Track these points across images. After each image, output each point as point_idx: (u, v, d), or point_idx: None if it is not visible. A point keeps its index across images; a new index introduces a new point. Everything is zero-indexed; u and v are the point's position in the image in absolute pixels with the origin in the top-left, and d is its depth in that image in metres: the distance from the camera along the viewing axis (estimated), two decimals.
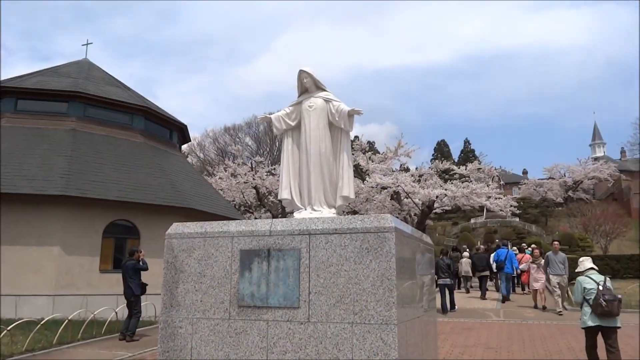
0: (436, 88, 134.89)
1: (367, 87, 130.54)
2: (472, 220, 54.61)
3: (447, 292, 13.09)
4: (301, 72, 5.96)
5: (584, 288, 6.08)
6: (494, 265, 16.23)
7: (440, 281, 13.05)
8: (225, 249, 4.83)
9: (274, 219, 4.93)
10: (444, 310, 12.69)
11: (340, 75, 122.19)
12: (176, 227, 5.13)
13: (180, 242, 5.01)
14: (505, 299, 15.09)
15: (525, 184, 53.63)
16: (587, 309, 6.02)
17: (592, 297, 5.91)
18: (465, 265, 17.10)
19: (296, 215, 5.71)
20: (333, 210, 5.71)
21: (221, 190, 24.81)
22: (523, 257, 16.34)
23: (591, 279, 6.10)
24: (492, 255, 16.54)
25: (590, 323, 5.97)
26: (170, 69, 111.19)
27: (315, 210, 5.65)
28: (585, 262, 6.35)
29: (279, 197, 6.07)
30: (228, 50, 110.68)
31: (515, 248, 19.89)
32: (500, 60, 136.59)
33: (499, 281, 16.70)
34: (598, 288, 5.93)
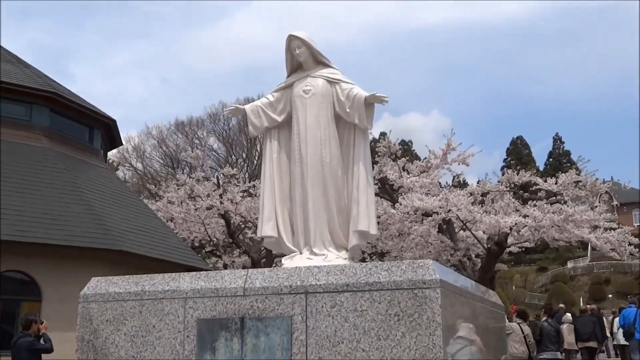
0: (508, 55, 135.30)
1: (400, 56, 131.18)
2: (570, 264, 54.46)
3: None
4: (291, 39, 6.05)
5: None
6: (619, 333, 16.78)
7: (546, 355, 13.32)
8: (174, 318, 4.85)
9: (250, 270, 4.96)
10: None
11: (357, 40, 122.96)
12: (96, 284, 5.15)
13: (102, 308, 5.03)
14: None
15: None
16: None
17: None
18: (567, 332, 17.44)
19: (285, 262, 5.74)
20: (344, 254, 5.76)
21: (171, 220, 24.84)
22: None
23: None
24: (612, 318, 17.03)
25: None
26: (92, 33, 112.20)
27: (315, 255, 5.70)
28: None
29: (259, 234, 6.14)
30: (180, 3, 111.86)
31: None
32: (614, 9, 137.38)
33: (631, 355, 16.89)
34: None
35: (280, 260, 5.97)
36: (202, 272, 5.09)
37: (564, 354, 18.03)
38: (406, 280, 4.38)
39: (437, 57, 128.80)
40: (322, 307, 4.52)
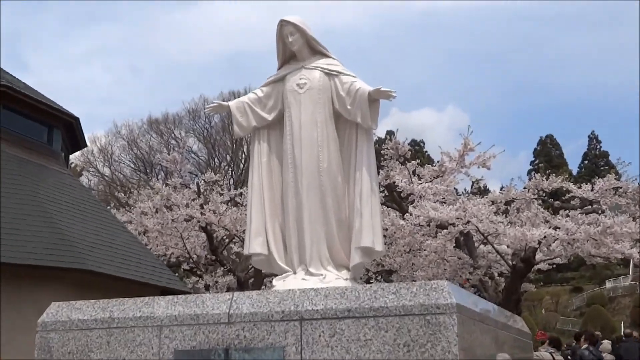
0: (536, 39, 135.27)
1: (409, 42, 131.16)
2: (608, 284, 54.51)
3: None
4: (283, 24, 6.10)
5: None
6: None
7: None
8: (147, 350, 4.86)
9: (236, 293, 4.97)
10: None
11: (359, 24, 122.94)
12: (57, 311, 5.15)
13: (64, 338, 5.03)
14: None
15: None
16: None
17: None
18: None
19: (277, 284, 5.76)
20: (345, 274, 5.80)
21: (144, 234, 24.84)
22: None
23: None
24: None
25: None
26: (50, 15, 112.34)
27: (311, 275, 5.73)
28: None
29: (246, 251, 6.16)
30: None
31: None
32: None
33: None
34: None
35: (271, 282, 5.99)
36: (180, 295, 5.10)
37: None
38: (417, 304, 4.39)
39: (453, 42, 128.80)
40: (320, 336, 4.53)
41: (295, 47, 6.10)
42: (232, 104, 6.30)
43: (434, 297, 4.39)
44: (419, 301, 4.41)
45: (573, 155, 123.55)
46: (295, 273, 5.82)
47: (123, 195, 35.35)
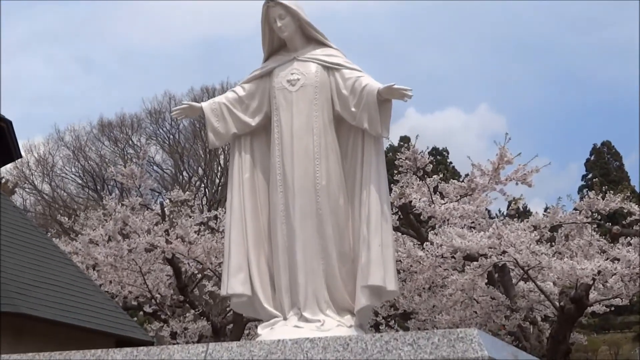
0: (591, 24, 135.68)
1: (430, 27, 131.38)
2: None
3: None
4: (270, 5, 6.14)
5: None
6: None
7: None
8: None
9: (211, 345, 4.99)
10: None
11: (369, 4, 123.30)
12: None
13: None
14: None
15: None
16: None
17: None
18: None
19: (263, 332, 5.78)
20: (348, 320, 5.83)
21: (93, 268, 24.81)
22: None
23: None
24: None
25: None
26: None
27: (307, 321, 5.76)
28: None
29: (223, 291, 6.18)
30: None
31: None
32: None
33: None
34: None
35: (256, 329, 5.99)
36: (141, 348, 5.11)
37: None
38: (440, 359, 4.41)
39: (486, 25, 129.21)
40: None
41: (285, 34, 6.15)
42: (206, 105, 6.33)
43: (460, 350, 4.41)
44: (442, 354, 4.43)
45: (636, 167, 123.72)
46: (285, 319, 5.85)
47: (67, 218, 35.34)
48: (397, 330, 24.10)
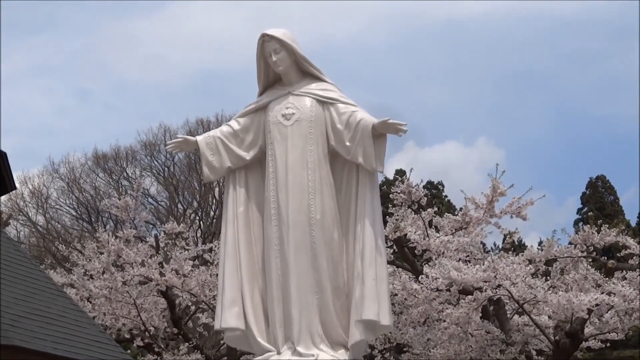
0: (589, 60, 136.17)
1: (429, 59, 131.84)
2: None
3: None
4: (266, 39, 6.18)
5: None
6: None
7: None
8: None
9: None
10: None
11: (365, 35, 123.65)
12: None
13: None
14: None
15: None
16: None
17: None
18: None
19: None
20: (342, 355, 5.83)
21: (88, 301, 24.77)
22: None
23: None
24: None
25: None
26: None
27: (300, 356, 5.76)
28: None
29: (217, 325, 6.18)
30: None
31: None
32: None
33: None
34: None
35: None
36: None
37: None
38: None
39: (485, 61, 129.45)
40: None
41: (280, 68, 6.18)
42: (201, 139, 6.34)
43: None
44: None
45: (631, 202, 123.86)
46: (279, 353, 5.86)
47: (63, 247, 35.36)
48: None
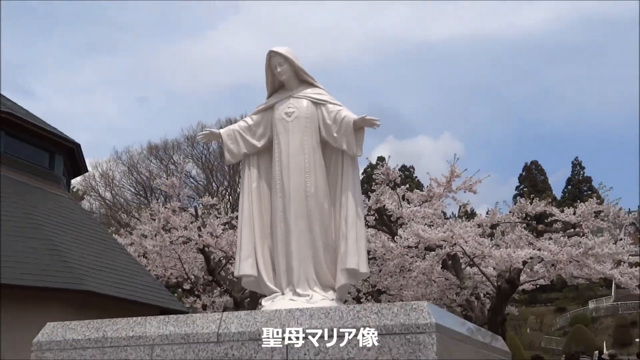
0: (525, 75, 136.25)
1: (407, 73, 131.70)
2: (591, 305, 54.45)
3: None
4: (272, 55, 6.14)
5: None
6: None
7: None
8: None
9: (225, 313, 4.98)
10: None
11: (358, 55, 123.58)
12: (52, 331, 5.14)
13: (58, 357, 5.02)
14: None
15: None
16: None
17: None
18: None
19: (266, 304, 5.77)
20: (331, 295, 5.80)
21: (144, 256, 24.78)
22: None
23: None
24: None
25: None
26: (56, 45, 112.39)
27: (299, 296, 5.74)
28: None
29: (236, 273, 6.18)
30: (161, 12, 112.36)
31: None
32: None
33: None
34: None
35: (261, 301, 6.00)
36: (171, 316, 5.10)
37: None
38: (398, 324, 4.41)
39: (449, 74, 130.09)
40: (305, 354, 4.53)
41: (283, 77, 6.14)
42: (223, 131, 6.32)
43: (414, 317, 4.41)
44: (400, 321, 4.42)
45: (558, 181, 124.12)
46: (283, 294, 5.84)
47: (125, 216, 35.36)
48: (373, 303, 24.14)
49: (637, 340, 44.15)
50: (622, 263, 20.91)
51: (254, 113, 6.30)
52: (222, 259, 25.43)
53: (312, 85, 6.20)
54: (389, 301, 21.53)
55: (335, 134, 5.90)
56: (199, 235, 24.18)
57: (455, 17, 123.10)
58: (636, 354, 21.62)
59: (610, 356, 21.96)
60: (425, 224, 20.65)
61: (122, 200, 47.77)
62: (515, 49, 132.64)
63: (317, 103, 6.07)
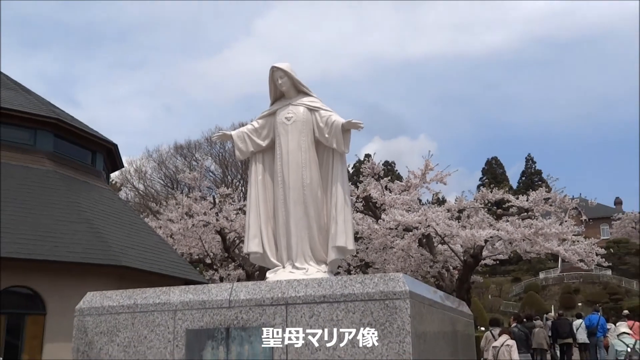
0: (488, 86, 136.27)
1: (392, 85, 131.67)
2: (542, 275, 54.51)
3: None
4: (274, 70, 6.12)
5: (616, 350, 9.43)
6: (582, 333, 19.90)
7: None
8: (164, 329, 4.87)
9: (235, 283, 4.99)
10: None
11: (351, 70, 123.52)
12: (92, 299, 5.15)
13: (97, 321, 5.04)
14: None
15: (619, 219, 53.57)
16: None
17: (622, 358, 9.15)
18: (539, 336, 18.77)
19: (269, 276, 5.78)
20: (324, 268, 5.81)
21: (170, 237, 24.78)
22: (634, 324, 17.20)
23: (622, 342, 9.44)
24: (577, 322, 20.36)
25: None
26: (98, 62, 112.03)
27: (297, 269, 5.75)
28: (620, 327, 10.13)
29: (245, 250, 6.18)
30: (183, 35, 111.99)
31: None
32: (584, 44, 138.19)
33: (587, 352, 19.80)
34: (627, 350, 9.18)
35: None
36: (191, 286, 5.11)
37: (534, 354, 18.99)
38: (378, 292, 4.42)
39: (427, 85, 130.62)
40: (301, 317, 4.55)
41: (284, 88, 6.13)
42: (234, 133, 6.31)
43: (391, 286, 4.42)
44: (380, 289, 4.44)
45: (514, 174, 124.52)
46: (284, 267, 5.85)
47: (155, 205, 35.32)
48: (359, 274, 24.21)
49: (580, 304, 44.31)
50: (565, 241, 21.01)
51: (259, 118, 6.29)
52: (235, 239, 25.48)
53: (307, 94, 6.19)
54: (374, 273, 21.56)
55: (326, 135, 5.90)
56: (217, 219, 24.23)
57: (431, 37, 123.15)
58: (575, 315, 22.90)
59: (559, 315, 23.14)
60: (404, 209, 20.70)
61: (152, 191, 47.71)
62: (481, 63, 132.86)
63: (312, 109, 6.06)
